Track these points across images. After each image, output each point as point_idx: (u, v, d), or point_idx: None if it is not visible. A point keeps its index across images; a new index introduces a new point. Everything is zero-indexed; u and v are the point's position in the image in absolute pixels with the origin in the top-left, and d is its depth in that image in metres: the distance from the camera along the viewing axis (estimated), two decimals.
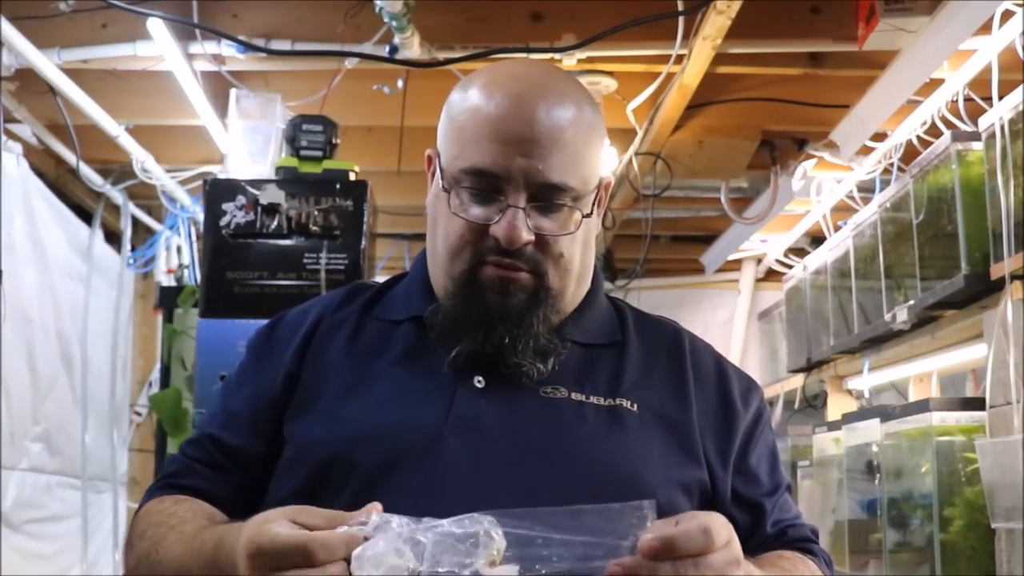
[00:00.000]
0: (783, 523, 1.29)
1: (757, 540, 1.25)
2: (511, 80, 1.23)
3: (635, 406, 1.22)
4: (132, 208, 4.68)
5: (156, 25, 2.93)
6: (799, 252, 5.07)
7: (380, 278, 1.66)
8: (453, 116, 1.24)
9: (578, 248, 1.24)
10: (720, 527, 1.00)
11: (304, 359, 1.27)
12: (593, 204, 1.25)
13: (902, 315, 3.21)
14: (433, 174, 1.27)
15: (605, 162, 1.31)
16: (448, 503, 1.06)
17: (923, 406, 2.93)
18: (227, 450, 1.27)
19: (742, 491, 1.26)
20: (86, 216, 4.58)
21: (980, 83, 2.99)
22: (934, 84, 3.17)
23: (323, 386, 1.23)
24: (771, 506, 1.28)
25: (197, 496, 1.24)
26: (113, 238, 4.82)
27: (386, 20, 2.77)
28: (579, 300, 1.29)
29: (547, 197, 1.19)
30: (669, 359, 1.29)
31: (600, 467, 1.17)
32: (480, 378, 1.21)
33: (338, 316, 1.31)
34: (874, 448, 3.26)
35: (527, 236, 1.18)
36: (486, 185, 1.19)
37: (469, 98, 1.22)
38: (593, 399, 1.22)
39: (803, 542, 1.29)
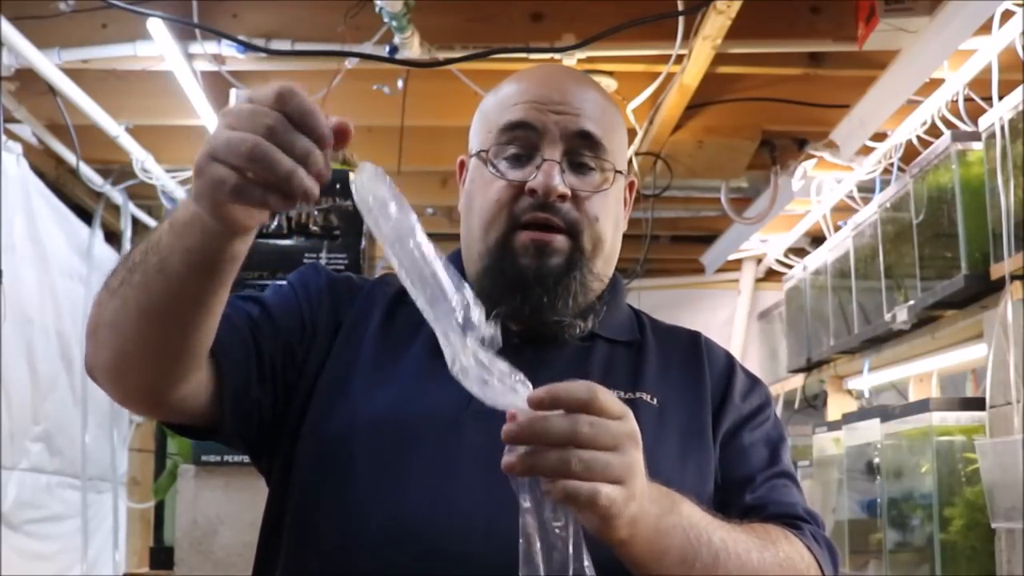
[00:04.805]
0: (768, 502, 1.22)
1: (736, 512, 1.19)
2: (535, 68, 1.33)
3: (654, 400, 1.23)
4: (132, 208, 4.68)
5: (156, 25, 2.93)
6: (799, 252, 5.06)
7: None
8: (484, 110, 1.29)
9: (611, 221, 1.26)
10: (608, 395, 0.98)
11: (339, 329, 1.25)
12: (622, 177, 1.27)
13: (902, 315, 3.21)
14: (463, 176, 1.30)
15: (626, 157, 1.33)
16: (464, 485, 1.08)
17: (923, 406, 2.93)
18: (266, 308, 1.23)
19: (731, 465, 1.23)
20: (86, 216, 4.58)
21: (980, 83, 3.00)
22: (934, 84, 3.17)
23: (351, 370, 1.23)
24: (761, 480, 1.23)
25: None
26: (113, 238, 4.81)
27: (386, 20, 2.77)
28: (604, 284, 1.29)
29: (582, 149, 1.22)
30: (687, 361, 1.30)
31: None
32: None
33: (375, 293, 1.31)
34: (874, 448, 3.26)
35: (563, 188, 1.20)
36: (523, 140, 1.22)
37: (499, 91, 1.28)
38: (616, 392, 1.22)
39: (788, 519, 1.20)
